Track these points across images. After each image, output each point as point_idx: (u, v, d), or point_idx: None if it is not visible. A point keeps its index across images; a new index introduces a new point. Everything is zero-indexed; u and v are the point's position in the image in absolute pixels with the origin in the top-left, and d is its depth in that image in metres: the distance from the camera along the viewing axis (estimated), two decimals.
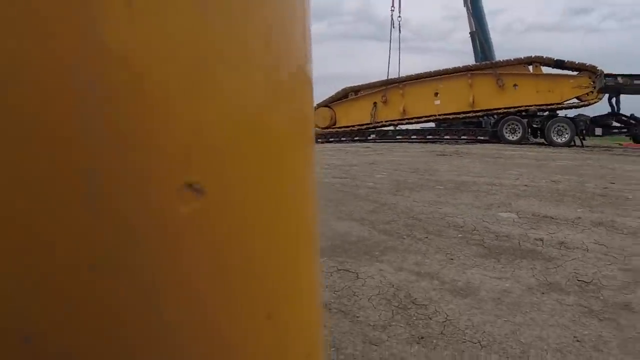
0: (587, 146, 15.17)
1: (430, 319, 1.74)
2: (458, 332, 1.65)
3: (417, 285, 2.10)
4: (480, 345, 1.56)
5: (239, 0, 0.35)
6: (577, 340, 1.54)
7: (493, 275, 2.22)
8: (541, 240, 2.82)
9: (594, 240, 2.83)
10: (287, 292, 0.40)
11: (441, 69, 17.47)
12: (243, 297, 0.36)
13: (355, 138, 18.58)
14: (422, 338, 1.63)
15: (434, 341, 1.60)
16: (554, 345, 1.54)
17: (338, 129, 18.97)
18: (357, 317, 1.77)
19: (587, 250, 2.62)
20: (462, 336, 1.63)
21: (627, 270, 2.30)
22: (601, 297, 1.95)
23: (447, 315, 1.76)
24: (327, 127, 19.04)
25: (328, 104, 19.14)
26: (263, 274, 0.37)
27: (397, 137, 18.68)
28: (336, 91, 19.08)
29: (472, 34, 21.65)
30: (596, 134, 15.69)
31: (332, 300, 1.98)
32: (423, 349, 1.55)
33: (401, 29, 19.61)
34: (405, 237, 2.94)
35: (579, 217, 3.45)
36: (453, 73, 17.14)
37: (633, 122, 15.87)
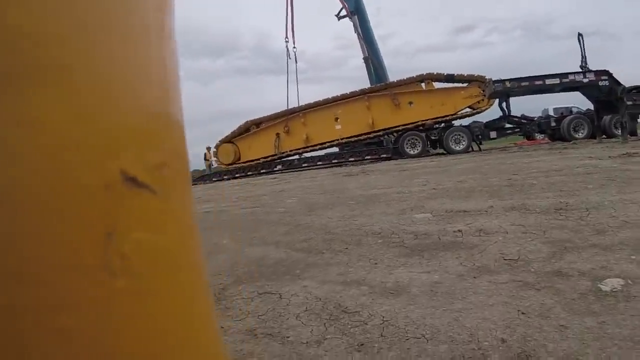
0: (485, 149, 16.35)
1: (366, 324, 1.58)
2: (399, 331, 1.50)
3: (345, 294, 1.94)
4: (425, 338, 1.42)
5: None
6: (522, 313, 1.47)
7: (420, 270, 2.12)
8: (460, 231, 2.81)
9: (510, 223, 2.88)
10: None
11: (339, 94, 17.97)
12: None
13: (262, 171, 18.45)
14: (361, 345, 1.45)
15: (376, 345, 1.43)
16: (500, 322, 1.44)
17: (243, 164, 18.76)
18: (288, 337, 1.57)
19: (507, 233, 2.64)
20: (404, 334, 1.48)
21: (548, 242, 2.33)
22: (532, 270, 1.92)
23: (384, 317, 1.61)
24: (231, 164, 18.77)
25: (230, 139, 18.91)
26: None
27: (303, 165, 18.83)
28: (238, 126, 18.93)
29: (365, 59, 22.61)
30: (491, 137, 17.12)
31: (257, 326, 1.76)
32: (365, 356, 1.38)
33: (297, 60, 19.93)
34: (324, 251, 2.79)
35: (491, 206, 3.53)
36: (351, 97, 17.75)
37: (524, 121, 17.60)
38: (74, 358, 0.30)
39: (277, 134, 18.38)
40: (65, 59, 0.31)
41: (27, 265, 0.28)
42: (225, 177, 18.78)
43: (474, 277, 1.91)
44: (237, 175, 18.36)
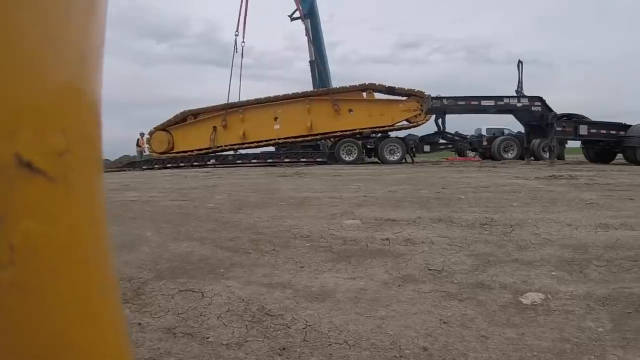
0: (418, 162, 16.91)
1: (289, 327, 1.56)
2: (322, 337, 1.49)
3: (269, 296, 1.91)
4: (348, 344, 1.42)
5: None
6: (444, 322, 1.50)
7: (346, 276, 2.13)
8: (387, 239, 2.86)
9: (437, 235, 2.96)
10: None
11: (280, 94, 17.92)
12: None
13: (195, 163, 17.99)
14: (283, 349, 1.43)
15: (298, 350, 1.41)
16: (423, 331, 1.47)
17: (176, 154, 18.22)
18: (208, 337, 1.51)
19: (433, 243, 2.71)
20: (327, 339, 1.47)
21: (472, 255, 2.41)
22: (455, 281, 1.98)
23: (307, 322, 1.59)
24: (164, 152, 18.17)
25: (165, 127, 18.30)
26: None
27: (238, 161, 18.58)
28: (174, 114, 18.36)
29: (311, 62, 22.64)
30: (425, 150, 17.81)
31: (177, 324, 1.69)
32: None
33: (244, 55, 19.55)
34: (251, 251, 2.74)
35: (420, 217, 3.63)
36: (292, 98, 17.74)
37: (458, 138, 18.48)
38: None
39: (214, 127, 18.01)
40: None
41: None
42: (156, 166, 18.11)
43: (399, 286, 1.95)
44: (168, 165, 17.77)
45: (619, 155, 15.45)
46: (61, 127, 0.33)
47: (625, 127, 14.69)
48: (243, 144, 18.16)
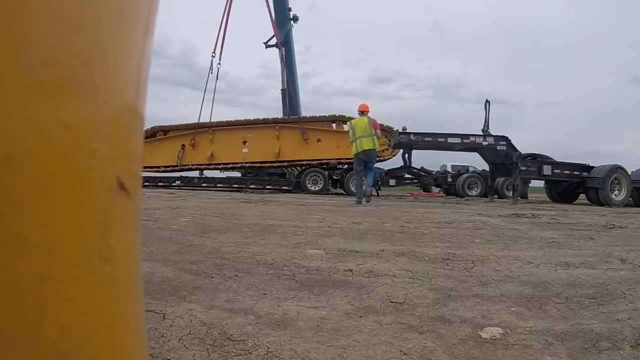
0: (383, 195, 17.06)
1: (251, 353, 1.57)
2: None
3: (231, 321, 1.91)
4: None
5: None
6: (404, 354, 1.54)
7: (309, 305, 2.16)
8: (350, 270, 2.90)
9: (399, 268, 3.02)
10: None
11: (251, 118, 17.97)
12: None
13: (159, 184, 17.71)
14: None
15: None
16: None
17: (142, 170, 17.88)
18: (168, 359, 1.51)
19: (395, 276, 2.77)
20: None
21: (434, 289, 2.47)
22: (416, 314, 2.02)
23: (268, 348, 1.61)
24: None
25: None
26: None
27: (203, 184, 18.39)
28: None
29: (283, 90, 22.81)
30: (390, 184, 18.01)
31: None
32: None
33: (218, 78, 19.41)
34: (214, 276, 2.73)
35: (383, 250, 3.69)
36: (262, 123, 17.77)
37: (423, 174, 18.80)
38: (75, 321, 0.36)
39: (183, 145, 17.84)
40: (93, 77, 0.37)
41: (48, 242, 0.34)
42: None
43: (360, 316, 1.98)
44: None
45: (582, 196, 15.98)
46: (136, 157, 0.43)
47: (588, 168, 15.28)
48: (210, 164, 18.02)
